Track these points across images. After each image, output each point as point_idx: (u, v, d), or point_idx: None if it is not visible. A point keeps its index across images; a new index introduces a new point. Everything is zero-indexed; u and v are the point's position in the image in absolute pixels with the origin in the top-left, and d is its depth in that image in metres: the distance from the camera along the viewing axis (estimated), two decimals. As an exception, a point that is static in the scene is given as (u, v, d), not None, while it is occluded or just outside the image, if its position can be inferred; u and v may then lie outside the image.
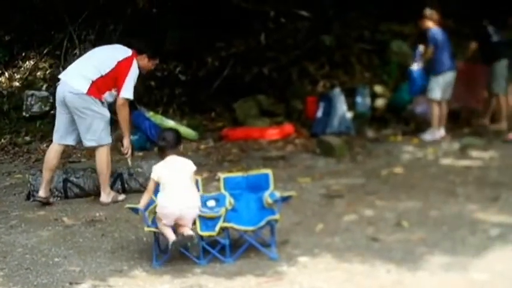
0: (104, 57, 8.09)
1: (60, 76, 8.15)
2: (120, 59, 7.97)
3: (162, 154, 6.11)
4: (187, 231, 5.81)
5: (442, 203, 7.29)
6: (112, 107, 8.19)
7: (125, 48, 8.19)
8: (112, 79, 7.92)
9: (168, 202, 5.85)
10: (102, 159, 8.05)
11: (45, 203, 8.06)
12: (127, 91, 7.98)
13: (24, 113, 12.75)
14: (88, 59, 8.28)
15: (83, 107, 7.82)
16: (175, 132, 6.34)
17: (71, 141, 8.20)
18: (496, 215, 6.77)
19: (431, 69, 10.50)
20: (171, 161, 6.01)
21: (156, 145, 6.27)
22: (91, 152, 8.76)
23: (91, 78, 7.85)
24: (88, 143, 8.05)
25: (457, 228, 6.43)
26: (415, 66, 10.66)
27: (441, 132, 10.48)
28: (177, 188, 5.88)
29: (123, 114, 8.11)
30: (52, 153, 8.14)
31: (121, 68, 7.93)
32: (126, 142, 8.23)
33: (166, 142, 6.05)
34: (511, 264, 5.54)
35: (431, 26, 10.48)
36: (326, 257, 5.90)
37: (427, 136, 10.37)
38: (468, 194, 7.58)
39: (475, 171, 8.56)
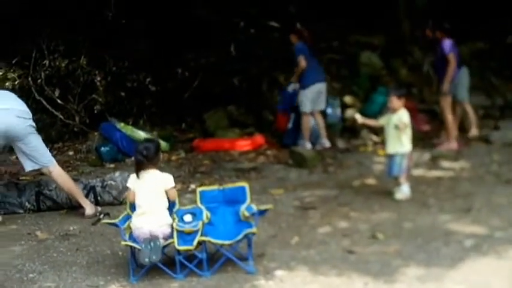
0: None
1: None
2: None
3: (139, 168, 6.07)
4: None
5: (415, 214, 7.36)
6: None
7: None
8: None
9: (139, 224, 5.91)
10: (62, 179, 8.02)
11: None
12: None
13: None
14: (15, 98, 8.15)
15: (31, 129, 7.76)
16: (156, 144, 6.27)
17: None
18: (470, 226, 6.86)
19: (300, 84, 10.94)
20: (148, 178, 6.01)
21: (135, 158, 6.15)
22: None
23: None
24: (32, 165, 7.91)
25: (431, 240, 6.49)
26: (290, 88, 11.24)
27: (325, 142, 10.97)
28: (148, 208, 5.94)
29: None
30: None
31: None
32: None
33: (145, 156, 6.02)
34: (486, 275, 5.61)
35: (296, 41, 10.91)
36: (303, 270, 5.92)
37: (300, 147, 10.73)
38: (441, 205, 7.67)
39: (447, 182, 8.67)
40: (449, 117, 10.40)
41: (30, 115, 7.80)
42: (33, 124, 7.82)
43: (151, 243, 5.76)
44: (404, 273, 5.70)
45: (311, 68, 10.87)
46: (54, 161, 8.05)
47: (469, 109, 10.97)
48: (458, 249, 6.21)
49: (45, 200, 8.31)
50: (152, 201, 5.98)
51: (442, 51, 10.25)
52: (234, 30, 13.52)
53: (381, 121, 8.32)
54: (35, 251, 6.88)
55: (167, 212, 6.03)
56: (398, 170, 7.94)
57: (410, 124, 8.02)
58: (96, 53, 12.24)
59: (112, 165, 10.53)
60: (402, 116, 7.94)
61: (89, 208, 7.96)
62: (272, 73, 13.03)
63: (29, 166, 7.89)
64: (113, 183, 8.40)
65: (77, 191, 8.03)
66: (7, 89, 12.62)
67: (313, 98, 10.90)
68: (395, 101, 8.00)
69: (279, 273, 5.87)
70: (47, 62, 12.07)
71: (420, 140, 10.30)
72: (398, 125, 7.90)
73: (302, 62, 10.76)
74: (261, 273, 5.87)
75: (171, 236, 5.91)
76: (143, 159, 6.01)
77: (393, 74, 13.26)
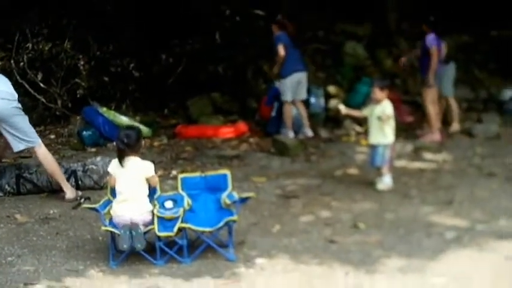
0: None
1: None
2: None
3: (120, 155, 6.01)
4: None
5: (397, 205, 7.37)
6: None
7: None
8: None
9: (120, 211, 5.88)
10: (46, 160, 7.94)
11: None
12: None
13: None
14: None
15: (16, 111, 7.70)
16: (137, 131, 6.22)
17: None
18: (451, 218, 6.88)
19: (280, 74, 10.98)
20: (128, 165, 5.97)
21: (116, 145, 6.10)
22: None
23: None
24: (20, 145, 7.84)
25: (413, 231, 6.50)
26: (278, 84, 11.24)
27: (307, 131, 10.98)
28: (130, 196, 5.91)
29: None
30: None
31: None
32: None
33: (126, 143, 5.97)
34: (467, 267, 5.63)
35: (277, 31, 10.92)
36: (283, 259, 5.91)
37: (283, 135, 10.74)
38: (423, 196, 7.69)
39: (429, 174, 8.70)
40: (431, 109, 10.42)
41: (15, 96, 7.72)
42: (19, 105, 7.75)
43: (133, 232, 5.72)
44: (385, 264, 5.71)
45: (291, 58, 10.85)
46: (40, 142, 7.99)
47: (453, 104, 11.05)
48: (440, 241, 6.23)
49: (25, 183, 8.21)
50: (134, 188, 5.94)
51: (424, 45, 10.27)
52: (220, 18, 13.43)
53: (364, 112, 8.32)
54: (14, 234, 6.81)
55: (148, 200, 5.99)
56: (381, 161, 7.94)
57: (393, 115, 8.01)
58: (80, 37, 12.10)
59: (93, 150, 10.46)
60: (385, 107, 7.93)
61: (70, 192, 7.90)
62: (257, 61, 12.98)
63: (15, 147, 7.84)
64: (94, 167, 8.34)
65: (59, 174, 7.97)
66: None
67: (292, 87, 10.89)
68: (378, 93, 7.98)
69: (259, 261, 5.86)
70: (30, 45, 11.92)
71: (403, 131, 10.27)
72: (381, 116, 7.89)
73: (281, 51, 10.76)
74: (241, 260, 5.86)
75: (151, 222, 5.88)
76: (124, 146, 5.96)
77: (378, 65, 13.24)
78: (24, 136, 7.78)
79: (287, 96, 10.91)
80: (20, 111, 7.77)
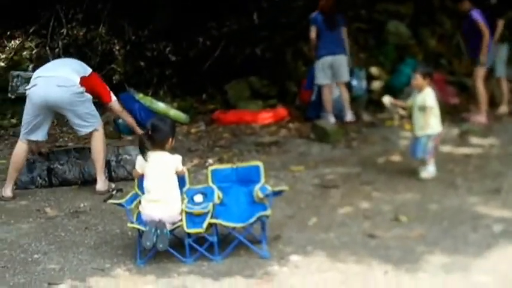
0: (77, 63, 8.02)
1: (36, 78, 7.74)
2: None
3: (142, 149, 5.72)
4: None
5: (441, 196, 6.98)
6: None
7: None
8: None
9: (149, 211, 5.59)
10: (99, 145, 7.78)
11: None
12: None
13: (9, 95, 12.35)
14: (61, 65, 8.05)
15: (75, 97, 7.53)
16: (169, 126, 5.84)
17: (40, 136, 7.79)
18: (499, 209, 6.48)
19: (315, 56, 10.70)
20: (155, 160, 5.68)
21: (145, 135, 5.78)
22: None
23: (78, 73, 7.68)
24: (84, 130, 7.75)
25: (458, 224, 6.12)
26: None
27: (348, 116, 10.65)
28: (161, 197, 5.61)
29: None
30: (22, 154, 7.78)
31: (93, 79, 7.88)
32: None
33: (152, 137, 5.67)
34: (515, 264, 5.24)
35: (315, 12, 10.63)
36: (319, 256, 5.58)
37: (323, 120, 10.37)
38: (469, 185, 7.29)
39: (475, 160, 8.28)
40: (482, 90, 10.03)
41: (73, 82, 7.55)
42: (79, 90, 7.57)
43: (158, 231, 5.44)
44: (428, 261, 5.34)
45: (324, 40, 10.54)
46: (101, 124, 7.89)
47: (505, 85, 10.66)
48: (487, 235, 5.83)
49: (56, 175, 8.05)
50: (164, 188, 5.64)
51: (472, 21, 9.86)
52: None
53: (408, 102, 7.92)
54: (43, 229, 6.64)
55: (179, 197, 5.70)
56: (422, 152, 7.54)
57: (436, 104, 7.60)
58: (115, 22, 11.90)
59: (130, 138, 10.23)
60: (427, 97, 7.52)
61: (102, 184, 7.70)
62: (296, 42, 12.62)
63: (78, 132, 7.86)
64: (127, 157, 8.17)
65: (101, 163, 7.78)
66: (26, 58, 12.47)
67: (324, 70, 10.56)
68: (420, 79, 7.57)
69: (294, 258, 5.54)
70: (64, 30, 11.79)
71: (448, 113, 9.82)
72: (423, 105, 7.50)
73: (311, 33, 10.54)
74: (275, 258, 5.55)
75: (180, 219, 5.61)
76: (148, 140, 5.67)
77: (421, 44, 12.80)
78: (86, 121, 7.68)
79: (319, 79, 10.63)
80: (80, 96, 7.60)
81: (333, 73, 10.60)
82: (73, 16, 11.83)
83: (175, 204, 5.64)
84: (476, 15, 9.86)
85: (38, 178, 8.07)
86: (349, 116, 10.58)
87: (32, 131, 7.69)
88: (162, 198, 5.60)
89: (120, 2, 11.90)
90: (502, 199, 6.77)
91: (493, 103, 10.63)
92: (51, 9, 11.73)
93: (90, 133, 7.78)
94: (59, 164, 8.09)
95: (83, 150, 8.31)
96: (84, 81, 7.63)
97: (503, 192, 6.97)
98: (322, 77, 10.60)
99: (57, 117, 9.17)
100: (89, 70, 7.91)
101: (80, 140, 9.94)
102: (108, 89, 7.99)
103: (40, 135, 7.74)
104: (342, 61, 10.64)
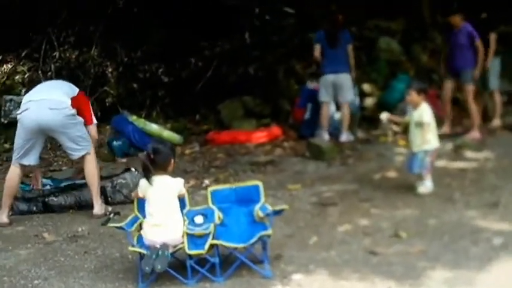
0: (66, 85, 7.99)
1: (27, 102, 7.69)
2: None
3: (146, 172, 5.69)
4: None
5: (440, 210, 6.99)
6: None
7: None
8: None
9: (151, 235, 5.57)
10: (92, 168, 7.73)
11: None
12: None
13: (2, 119, 12.32)
14: (52, 87, 8.03)
15: (67, 119, 7.51)
16: (169, 148, 5.84)
17: (32, 160, 7.75)
18: (498, 223, 6.49)
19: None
20: (158, 184, 5.66)
21: (147, 159, 5.74)
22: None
23: (68, 95, 7.65)
24: (77, 153, 7.71)
25: (458, 239, 6.12)
26: (310, 85, 11.15)
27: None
28: (163, 221, 5.58)
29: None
30: (15, 178, 7.74)
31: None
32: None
33: (153, 160, 5.66)
34: (517, 277, 5.25)
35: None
36: (322, 274, 5.57)
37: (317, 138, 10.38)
38: (466, 199, 7.30)
39: (471, 174, 8.30)
40: (474, 106, 10.07)
41: (65, 104, 7.52)
42: (71, 112, 7.53)
43: (160, 252, 5.42)
44: (431, 277, 5.34)
45: (327, 58, 10.63)
46: (93, 146, 7.86)
47: (498, 97, 10.70)
48: (487, 248, 5.84)
49: (52, 206, 8.05)
50: (166, 212, 5.61)
51: (468, 36, 9.95)
52: (249, 17, 13.13)
53: (406, 118, 7.96)
54: (42, 254, 6.58)
55: (181, 221, 5.68)
56: (419, 167, 7.56)
57: (433, 120, 7.63)
58: (107, 43, 11.91)
59: (124, 160, 10.25)
60: (423, 113, 7.55)
61: (98, 207, 7.67)
62: (288, 61, 12.66)
63: (71, 155, 7.80)
64: (122, 181, 8.13)
65: (96, 188, 7.74)
66: (19, 82, 12.43)
67: (326, 88, 10.60)
68: (414, 96, 7.61)
69: (296, 277, 5.52)
70: (57, 53, 11.79)
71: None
72: (419, 122, 7.52)
73: (315, 51, 10.64)
74: (277, 277, 5.53)
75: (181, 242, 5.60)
76: (150, 164, 5.65)
77: (413, 60, 12.85)
78: (78, 144, 7.64)
79: (321, 97, 10.64)
80: (72, 118, 7.56)
81: (336, 92, 10.63)
82: (65, 39, 11.83)
83: (178, 228, 5.61)
84: (471, 30, 9.90)
85: (34, 208, 8.04)
86: (344, 137, 10.57)
87: (24, 155, 7.66)
88: (164, 222, 5.57)
89: (112, 24, 11.92)
90: (500, 212, 6.79)
91: (486, 116, 10.66)
92: (43, 33, 11.72)
93: (83, 156, 7.73)
94: (54, 197, 8.06)
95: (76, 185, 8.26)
96: (73, 101, 7.62)
97: (500, 205, 6.98)
98: (323, 95, 10.64)
99: (51, 142, 9.15)
100: (77, 90, 7.89)
101: (74, 164, 9.90)
102: (91, 111, 7.94)
103: (32, 159, 7.71)
104: (344, 80, 10.65)
